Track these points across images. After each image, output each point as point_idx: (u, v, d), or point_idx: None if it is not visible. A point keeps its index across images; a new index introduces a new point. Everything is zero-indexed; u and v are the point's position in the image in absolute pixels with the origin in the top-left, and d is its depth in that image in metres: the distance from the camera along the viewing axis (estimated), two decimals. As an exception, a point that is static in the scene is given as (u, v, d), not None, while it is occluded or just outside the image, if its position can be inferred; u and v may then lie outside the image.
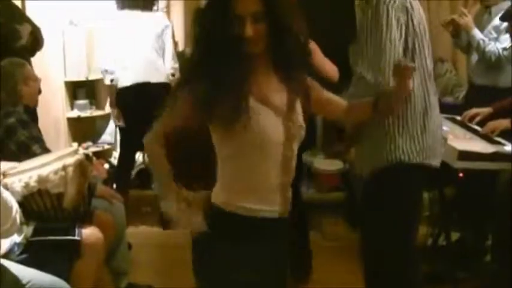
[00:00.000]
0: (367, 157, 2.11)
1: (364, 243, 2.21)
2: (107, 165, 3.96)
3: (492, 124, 2.91)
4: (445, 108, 3.61)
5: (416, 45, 2.03)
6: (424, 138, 2.06)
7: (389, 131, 2.03)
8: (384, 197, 2.08)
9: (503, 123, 2.89)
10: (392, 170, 2.04)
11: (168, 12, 4.73)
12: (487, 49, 3.44)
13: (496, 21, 3.54)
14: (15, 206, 2.11)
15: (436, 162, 2.13)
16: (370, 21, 1.97)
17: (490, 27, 3.56)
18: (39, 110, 3.60)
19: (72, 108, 4.60)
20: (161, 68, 3.84)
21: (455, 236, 3.21)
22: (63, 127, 4.51)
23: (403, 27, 1.99)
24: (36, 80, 3.00)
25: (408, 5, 2.02)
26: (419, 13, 2.07)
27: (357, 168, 2.19)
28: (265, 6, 1.55)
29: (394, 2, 1.98)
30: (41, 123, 3.51)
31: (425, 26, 2.09)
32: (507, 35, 3.38)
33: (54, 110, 4.41)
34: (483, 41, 3.47)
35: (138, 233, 3.89)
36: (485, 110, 3.10)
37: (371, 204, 2.14)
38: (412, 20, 2.02)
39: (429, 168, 2.10)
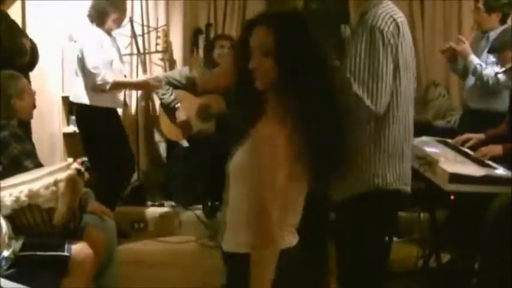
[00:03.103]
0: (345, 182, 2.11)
1: (339, 264, 2.23)
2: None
3: (485, 149, 2.93)
4: (437, 132, 3.65)
5: (402, 71, 2.05)
6: (401, 165, 2.09)
7: (369, 156, 2.04)
8: (359, 221, 2.09)
9: (495, 149, 2.91)
10: (369, 195, 2.05)
11: (167, 32, 4.79)
12: (484, 73, 3.46)
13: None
14: (4, 228, 2.12)
15: (409, 188, 2.16)
16: (364, 44, 1.99)
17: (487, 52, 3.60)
18: (36, 125, 3.62)
19: (68, 123, 4.62)
20: None
21: (446, 257, 3.20)
22: (59, 142, 4.52)
23: (393, 52, 2.01)
24: (31, 94, 2.98)
25: (400, 28, 2.04)
26: (408, 37, 2.10)
27: (333, 193, 2.17)
28: (274, 40, 1.51)
29: (389, 28, 2.00)
30: (37, 138, 3.53)
31: (412, 50, 2.12)
32: None
33: (50, 125, 4.43)
34: (480, 65, 3.50)
35: (130, 250, 3.88)
36: (478, 136, 3.12)
37: (346, 227, 2.16)
38: (402, 44, 2.04)
39: (404, 194, 2.13)
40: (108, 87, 3.80)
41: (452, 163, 2.69)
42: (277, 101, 1.55)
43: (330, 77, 1.57)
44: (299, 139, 1.48)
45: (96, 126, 3.90)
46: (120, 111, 4.37)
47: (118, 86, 3.96)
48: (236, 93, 1.66)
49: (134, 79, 4.19)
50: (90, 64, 3.78)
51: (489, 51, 3.38)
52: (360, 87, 1.96)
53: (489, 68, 3.48)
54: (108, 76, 3.80)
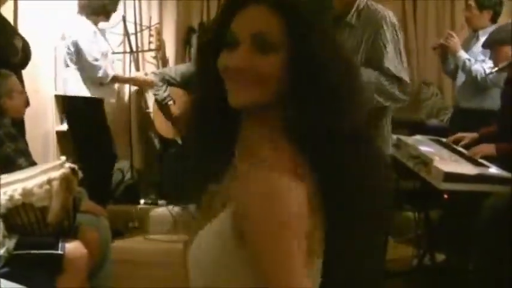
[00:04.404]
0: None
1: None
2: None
3: (478, 148, 2.94)
4: (430, 131, 3.68)
5: None
6: None
7: None
8: None
9: (488, 148, 2.92)
10: None
11: (160, 30, 4.78)
12: (472, 68, 3.49)
13: (484, 45, 3.58)
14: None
15: None
16: (393, 41, 2.31)
17: (477, 50, 3.62)
18: (29, 123, 3.60)
19: (61, 122, 4.59)
20: None
21: (441, 257, 3.21)
22: (52, 140, 4.50)
23: None
24: (22, 92, 2.96)
25: None
26: None
27: None
28: (281, 30, 0.94)
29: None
30: (30, 137, 3.51)
31: None
32: None
33: (43, 124, 4.41)
34: (469, 60, 3.52)
35: (124, 249, 3.87)
36: (471, 135, 3.13)
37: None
38: None
39: None
40: (108, 80, 3.86)
41: (446, 162, 2.71)
42: (274, 131, 0.96)
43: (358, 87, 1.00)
44: (317, 187, 0.93)
45: (89, 118, 3.92)
46: (113, 109, 4.38)
47: (117, 80, 4.08)
48: (197, 113, 1.04)
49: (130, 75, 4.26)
50: (90, 57, 3.81)
51: (483, 46, 3.38)
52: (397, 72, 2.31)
53: (478, 64, 3.50)
54: (109, 69, 3.86)
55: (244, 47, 0.94)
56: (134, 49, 4.63)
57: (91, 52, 3.80)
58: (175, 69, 4.56)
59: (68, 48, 3.88)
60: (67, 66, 3.94)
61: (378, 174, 0.99)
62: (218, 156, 0.99)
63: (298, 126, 0.93)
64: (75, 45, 3.84)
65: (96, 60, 3.81)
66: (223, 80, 0.97)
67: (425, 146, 2.92)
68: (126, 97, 4.73)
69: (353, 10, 2.31)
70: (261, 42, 0.94)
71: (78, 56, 3.85)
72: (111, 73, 3.88)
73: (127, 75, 4.67)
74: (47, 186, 2.36)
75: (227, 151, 0.99)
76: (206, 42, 1.02)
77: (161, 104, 4.43)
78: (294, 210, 0.88)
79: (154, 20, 4.83)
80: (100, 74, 3.83)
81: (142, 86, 4.54)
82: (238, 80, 0.94)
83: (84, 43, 3.81)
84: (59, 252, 2.38)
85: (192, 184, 1.08)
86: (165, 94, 4.39)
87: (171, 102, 4.40)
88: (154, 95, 4.43)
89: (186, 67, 4.56)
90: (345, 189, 0.93)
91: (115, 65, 4.37)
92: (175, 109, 4.42)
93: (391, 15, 2.32)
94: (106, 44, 4.03)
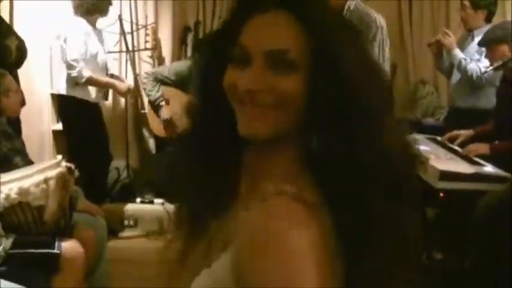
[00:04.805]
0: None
1: None
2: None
3: (472, 146, 2.96)
4: (426, 130, 3.69)
5: None
6: None
7: None
8: None
9: (482, 148, 2.93)
10: None
11: (156, 30, 4.78)
12: (468, 67, 3.49)
13: (479, 44, 3.60)
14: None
15: None
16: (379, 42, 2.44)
17: (472, 50, 3.63)
18: (25, 122, 3.59)
19: (58, 121, 4.58)
20: None
21: (438, 256, 3.22)
22: (48, 140, 4.49)
23: None
24: (18, 91, 2.97)
25: None
26: None
27: None
28: (302, 43, 0.79)
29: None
30: (26, 136, 3.50)
31: None
32: None
33: (39, 123, 4.40)
34: (464, 59, 3.53)
35: (119, 248, 3.86)
36: (467, 132, 3.15)
37: None
38: None
39: None
40: (82, 81, 3.82)
41: (442, 161, 2.72)
42: (287, 159, 0.83)
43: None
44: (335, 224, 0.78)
45: (82, 116, 3.91)
46: (110, 108, 4.36)
47: (92, 82, 3.92)
48: (194, 143, 0.91)
49: (106, 78, 4.14)
50: (69, 56, 3.80)
51: (479, 44, 3.39)
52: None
53: (473, 62, 3.51)
54: (85, 70, 3.80)
55: (258, 64, 0.79)
56: (130, 48, 4.62)
57: (72, 51, 3.79)
58: (169, 68, 4.54)
59: (61, 47, 3.89)
60: (60, 64, 3.95)
61: (411, 218, 0.83)
62: (218, 183, 0.86)
63: (321, 156, 0.78)
64: (65, 42, 3.85)
65: (75, 60, 3.78)
66: (229, 99, 0.83)
67: (421, 144, 2.94)
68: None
69: (344, 12, 2.31)
70: (279, 59, 0.79)
71: (63, 54, 3.86)
72: (86, 74, 3.81)
73: (123, 74, 4.67)
74: (44, 185, 2.36)
75: (231, 177, 0.87)
76: (207, 56, 0.87)
77: (153, 105, 4.42)
78: (310, 266, 0.72)
79: (150, 19, 4.83)
80: (74, 73, 3.79)
81: (117, 93, 4.38)
82: (251, 103, 0.79)
83: (69, 41, 3.82)
84: (56, 251, 2.38)
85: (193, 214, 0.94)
86: (158, 94, 4.37)
87: (163, 103, 4.38)
88: (148, 95, 4.42)
89: (180, 65, 4.53)
90: (372, 234, 0.77)
91: (111, 64, 4.36)
92: (167, 110, 4.41)
93: (380, 18, 2.38)
94: (99, 45, 3.99)
